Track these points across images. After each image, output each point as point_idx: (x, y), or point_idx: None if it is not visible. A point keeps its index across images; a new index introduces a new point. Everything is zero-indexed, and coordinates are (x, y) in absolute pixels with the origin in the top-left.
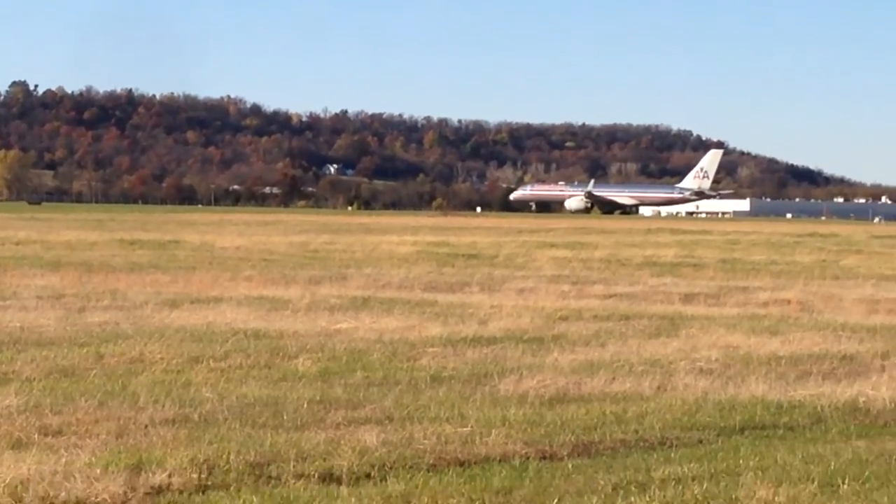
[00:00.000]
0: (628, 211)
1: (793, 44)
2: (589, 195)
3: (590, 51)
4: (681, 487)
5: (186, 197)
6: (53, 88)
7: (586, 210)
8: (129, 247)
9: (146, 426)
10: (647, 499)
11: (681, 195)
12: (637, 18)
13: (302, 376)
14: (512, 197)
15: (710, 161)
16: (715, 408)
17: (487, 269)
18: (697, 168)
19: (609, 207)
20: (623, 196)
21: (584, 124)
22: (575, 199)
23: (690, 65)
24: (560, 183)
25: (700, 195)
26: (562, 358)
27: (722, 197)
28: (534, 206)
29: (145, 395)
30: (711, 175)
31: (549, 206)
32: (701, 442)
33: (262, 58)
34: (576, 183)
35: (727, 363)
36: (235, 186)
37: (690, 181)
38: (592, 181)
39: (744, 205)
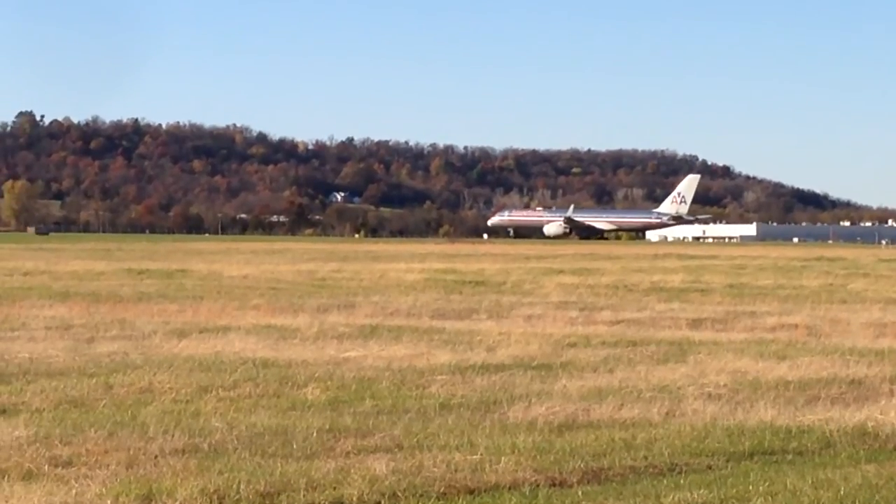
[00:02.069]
0: (606, 236)
1: (798, 67)
2: (568, 220)
3: (595, 76)
4: None
5: (193, 226)
6: (60, 118)
7: (565, 235)
8: (136, 276)
9: (156, 456)
10: None
11: (658, 220)
12: (642, 43)
13: (311, 405)
14: (489, 222)
15: (688, 186)
16: (724, 433)
17: (495, 296)
18: (675, 193)
19: (587, 232)
20: (601, 221)
21: (589, 150)
22: (553, 225)
23: (696, 89)
24: (538, 208)
25: (678, 220)
26: (570, 384)
27: (700, 222)
28: (511, 232)
29: (155, 425)
30: (689, 200)
31: (527, 232)
32: (710, 468)
33: (267, 86)
34: (553, 208)
35: (735, 388)
36: (242, 215)
37: (668, 206)
38: (572, 206)
39: (750, 229)
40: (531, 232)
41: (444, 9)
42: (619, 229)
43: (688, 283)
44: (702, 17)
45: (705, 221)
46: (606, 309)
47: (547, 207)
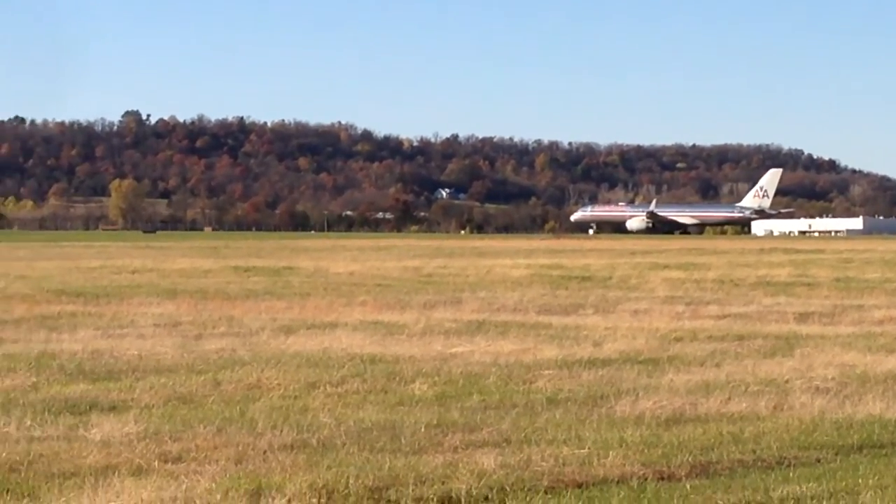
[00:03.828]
0: (688, 231)
1: None
2: (651, 215)
3: (700, 71)
4: None
5: (299, 223)
6: (166, 118)
7: (647, 230)
8: (243, 274)
9: (265, 452)
10: None
11: (741, 214)
12: (745, 38)
13: (418, 400)
14: (573, 218)
15: (770, 180)
16: (832, 427)
17: (601, 291)
18: (757, 187)
19: (670, 227)
20: (684, 216)
21: (694, 145)
22: (636, 220)
23: (801, 83)
24: (620, 203)
25: (760, 214)
26: (677, 379)
27: (782, 216)
28: (595, 227)
29: (263, 420)
30: (771, 194)
31: (609, 228)
32: (819, 461)
33: (372, 83)
34: (636, 203)
35: (843, 382)
36: (348, 212)
37: (750, 200)
38: (654, 201)
39: (857, 223)
40: (613, 227)
41: (546, 8)
42: (702, 224)
43: (794, 277)
44: (805, 13)
45: (788, 216)
46: (713, 303)
47: (629, 202)
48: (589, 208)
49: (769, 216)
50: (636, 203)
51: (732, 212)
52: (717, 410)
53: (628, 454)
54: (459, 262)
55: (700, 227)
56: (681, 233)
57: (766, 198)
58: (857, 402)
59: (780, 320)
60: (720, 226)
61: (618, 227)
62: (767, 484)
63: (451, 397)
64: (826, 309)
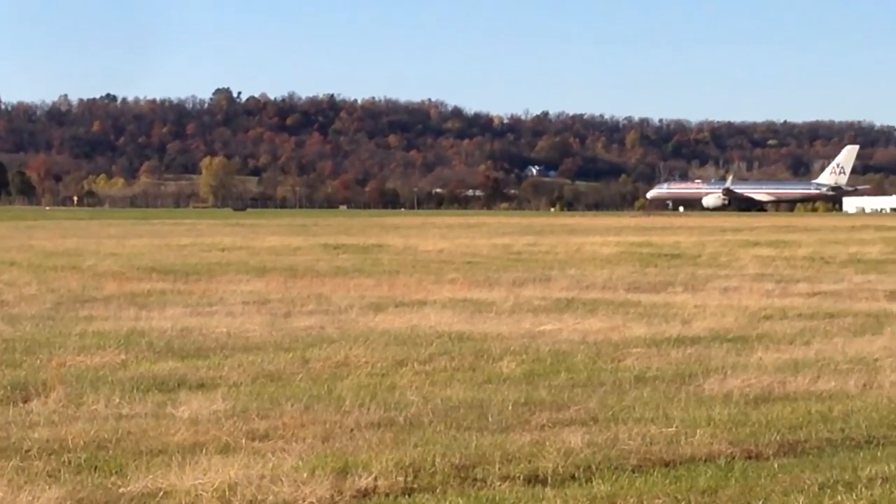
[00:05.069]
0: (765, 208)
1: None
2: (727, 192)
3: (791, 48)
4: (888, 486)
5: (389, 201)
6: (256, 95)
7: (724, 207)
8: (332, 251)
9: (352, 430)
10: (854, 498)
11: (817, 191)
12: (837, 13)
13: (506, 378)
14: (649, 195)
15: (847, 157)
16: None
17: (691, 269)
18: (834, 164)
19: (746, 204)
20: (760, 193)
21: (785, 122)
22: (712, 197)
23: (894, 59)
24: (696, 181)
25: (836, 191)
26: (766, 357)
27: (859, 193)
28: (671, 205)
29: (351, 398)
30: (847, 171)
31: (688, 205)
32: None
33: (461, 60)
34: (712, 180)
35: None
36: (438, 189)
37: (827, 177)
38: (731, 177)
39: None
40: (690, 204)
41: None
42: (779, 201)
43: (886, 254)
44: None
45: (864, 193)
46: (803, 281)
47: (705, 179)
48: (665, 185)
49: (845, 193)
50: (728, 180)
51: (809, 188)
52: (805, 389)
53: (716, 433)
54: (549, 240)
55: (781, 205)
56: (757, 210)
57: (842, 174)
58: None
59: (871, 298)
60: (796, 203)
61: (694, 205)
62: (856, 463)
63: (538, 375)
64: None
